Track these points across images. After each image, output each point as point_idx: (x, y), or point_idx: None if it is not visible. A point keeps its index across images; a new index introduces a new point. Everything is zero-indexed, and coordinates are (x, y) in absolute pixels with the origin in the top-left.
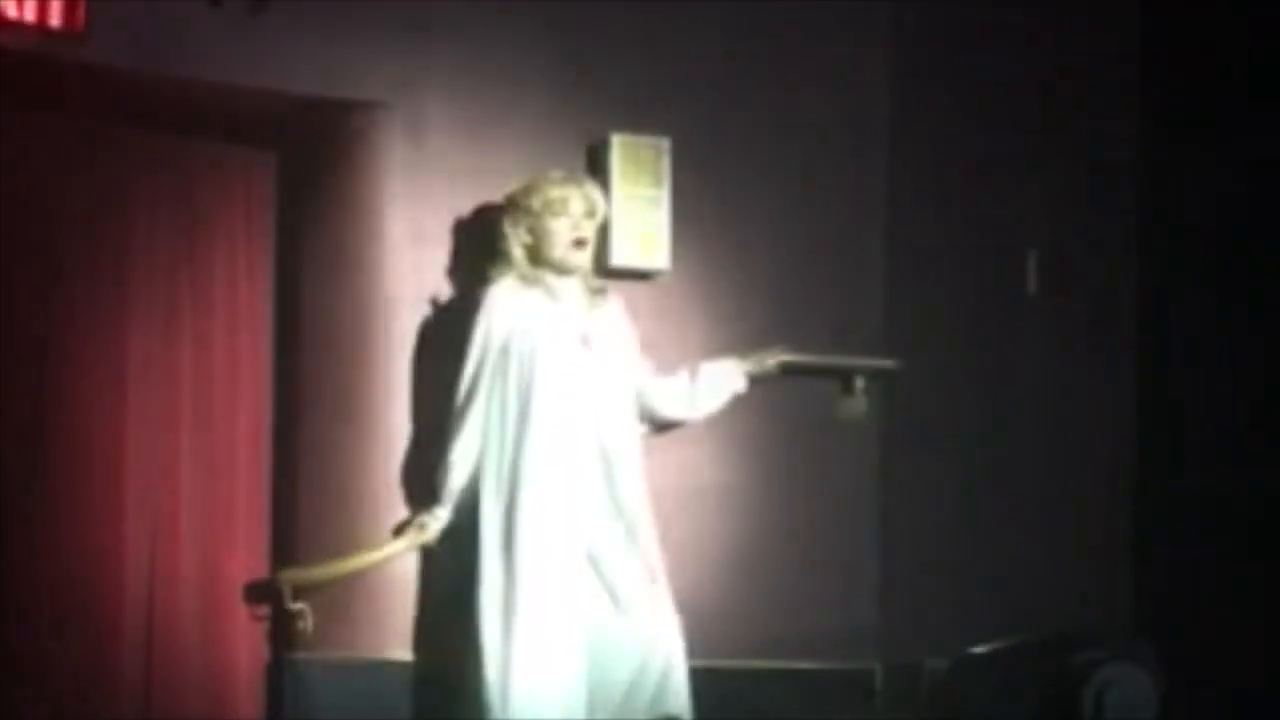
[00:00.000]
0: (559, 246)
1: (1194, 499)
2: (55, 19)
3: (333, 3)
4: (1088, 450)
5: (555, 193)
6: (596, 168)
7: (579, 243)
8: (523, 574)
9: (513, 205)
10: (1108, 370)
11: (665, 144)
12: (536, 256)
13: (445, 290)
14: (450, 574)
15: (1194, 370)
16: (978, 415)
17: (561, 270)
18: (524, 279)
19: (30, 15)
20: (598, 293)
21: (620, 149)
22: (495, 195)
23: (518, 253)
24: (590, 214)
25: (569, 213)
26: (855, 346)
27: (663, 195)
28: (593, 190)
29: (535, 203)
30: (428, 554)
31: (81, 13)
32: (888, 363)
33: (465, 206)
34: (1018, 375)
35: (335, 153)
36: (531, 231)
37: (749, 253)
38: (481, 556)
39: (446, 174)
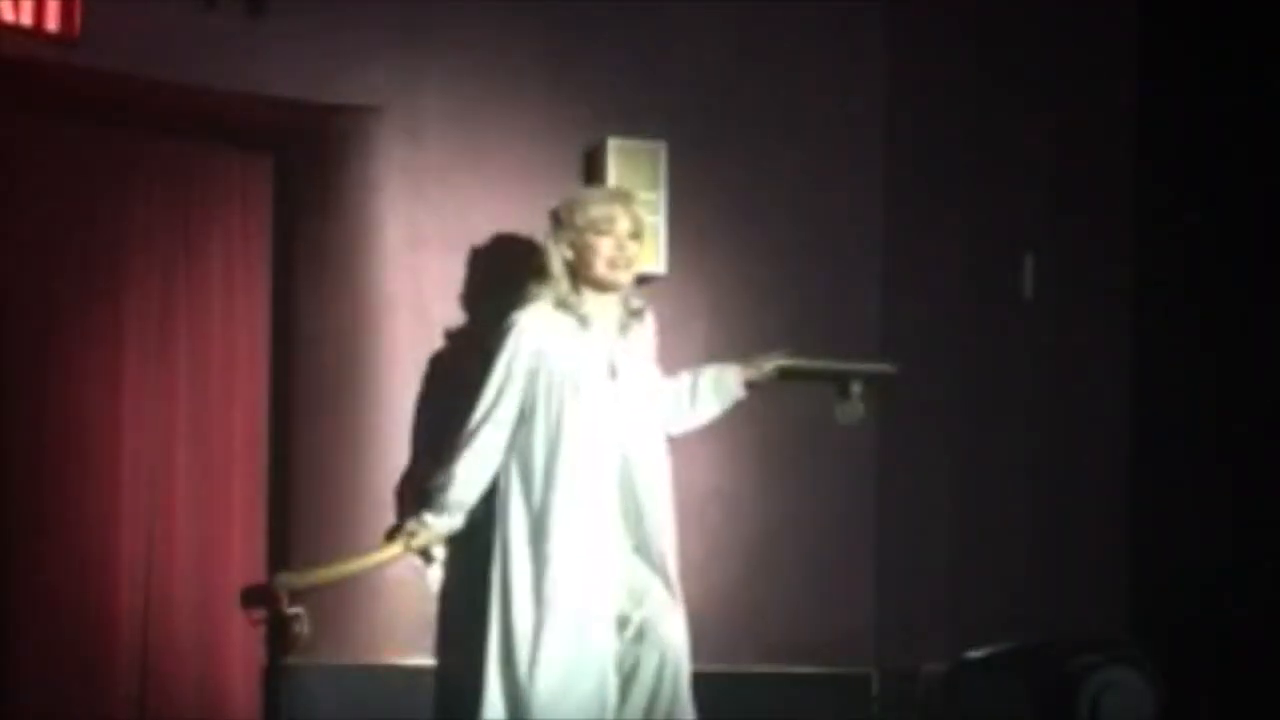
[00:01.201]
0: (600, 265)
1: (1191, 503)
2: (51, 23)
3: (329, 7)
4: (1085, 454)
5: (600, 211)
6: (593, 172)
7: (616, 262)
8: (555, 593)
9: (556, 220)
10: (1104, 374)
11: (661, 148)
12: (577, 273)
13: (442, 294)
14: (451, 583)
15: (1191, 374)
16: (975, 419)
17: (601, 289)
18: (558, 303)
19: (26, 19)
20: (635, 314)
21: (617, 153)
22: (491, 199)
23: (558, 268)
24: (635, 234)
25: (614, 232)
26: (852, 350)
27: (659, 199)
28: (639, 210)
29: (579, 219)
30: (432, 561)
31: (77, 17)
32: (885, 367)
33: (461, 210)
34: (1014, 379)
35: (331, 157)
36: (573, 247)
37: (746, 257)
38: (513, 583)
39: (443, 178)
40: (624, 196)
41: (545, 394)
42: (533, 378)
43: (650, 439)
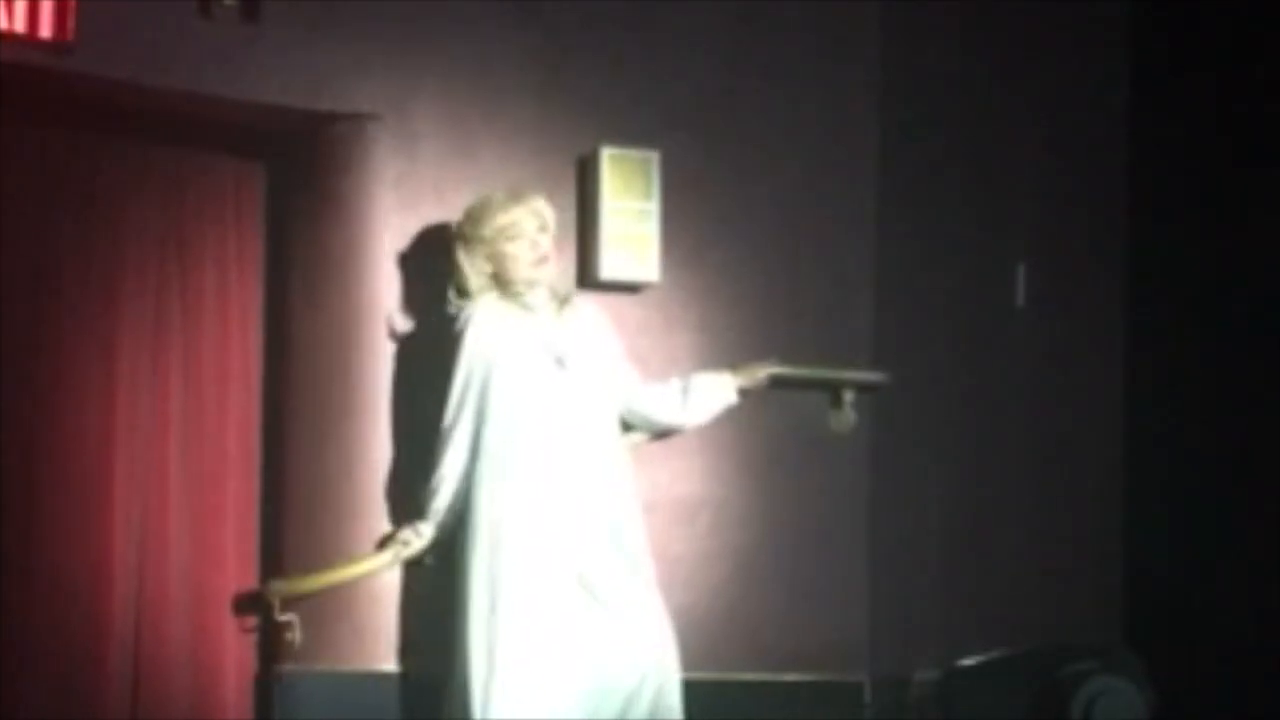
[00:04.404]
0: (523, 267)
1: (1184, 511)
2: (45, 29)
3: (324, 15)
4: (1077, 463)
5: (505, 217)
6: (586, 180)
7: (541, 260)
8: (510, 592)
9: (464, 238)
10: (1096, 383)
11: (654, 157)
12: (499, 281)
13: (434, 302)
14: (440, 589)
15: (1184, 383)
16: (967, 428)
17: (529, 286)
18: (499, 296)
19: (20, 26)
20: (564, 302)
21: (610, 162)
22: None
23: (477, 284)
24: (543, 228)
25: (523, 234)
26: (844, 359)
27: (652, 208)
28: (539, 203)
29: (486, 230)
30: (418, 568)
31: (71, 23)
32: (877, 375)
33: (454, 219)
34: (1006, 388)
35: (325, 165)
36: (490, 259)
37: (738, 266)
38: (470, 576)
39: (436, 187)
40: (521, 196)
41: (499, 389)
42: (488, 373)
43: (603, 427)
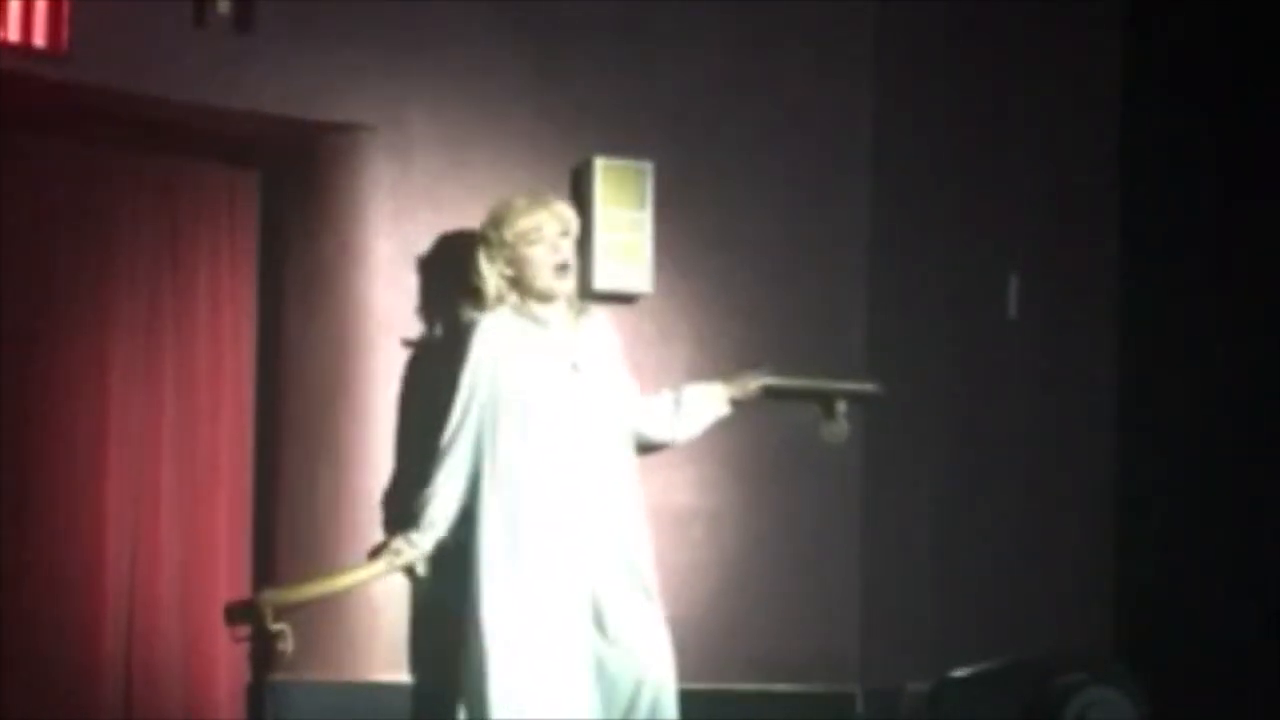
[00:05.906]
0: (542, 274)
1: (1176, 523)
2: (39, 39)
3: (318, 24)
4: (1069, 474)
5: (527, 221)
6: (580, 190)
7: (562, 267)
8: (526, 601)
9: (485, 240)
10: (1089, 394)
11: (648, 167)
12: (519, 286)
13: (428, 312)
14: (444, 599)
15: (1177, 394)
16: (959, 439)
17: (547, 298)
18: (513, 308)
19: (14, 35)
20: (581, 312)
21: (603, 172)
22: (479, 218)
23: (495, 288)
24: (565, 233)
25: (545, 238)
26: (837, 370)
27: (646, 218)
28: (562, 208)
29: (508, 234)
30: (412, 578)
31: (65, 33)
32: (870, 386)
33: (449, 229)
34: (999, 399)
35: (319, 174)
36: (511, 264)
37: (732, 276)
38: (483, 580)
39: (430, 196)
40: (543, 200)
41: (510, 396)
42: (496, 382)
43: (615, 434)
